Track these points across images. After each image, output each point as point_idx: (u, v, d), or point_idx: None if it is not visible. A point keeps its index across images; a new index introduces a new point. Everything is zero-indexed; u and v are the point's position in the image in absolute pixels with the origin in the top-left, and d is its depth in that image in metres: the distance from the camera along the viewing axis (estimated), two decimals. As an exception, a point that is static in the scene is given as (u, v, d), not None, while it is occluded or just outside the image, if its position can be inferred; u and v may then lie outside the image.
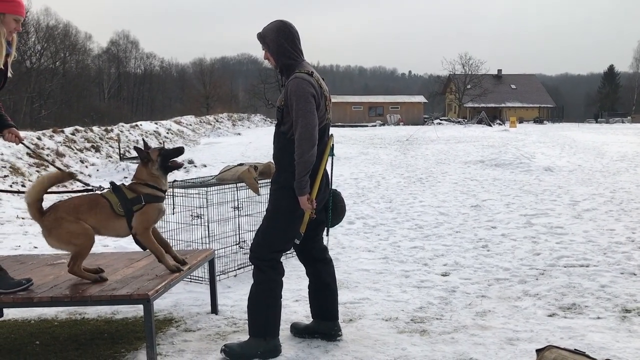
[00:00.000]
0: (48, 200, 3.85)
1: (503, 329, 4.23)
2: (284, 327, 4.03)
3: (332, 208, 4.00)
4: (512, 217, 8.59)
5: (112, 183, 3.98)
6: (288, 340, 4.04)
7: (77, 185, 10.52)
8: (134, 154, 18.97)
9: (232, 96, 78.26)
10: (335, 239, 7.19)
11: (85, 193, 3.99)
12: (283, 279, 3.87)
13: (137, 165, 4.04)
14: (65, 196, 4.26)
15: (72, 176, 4.02)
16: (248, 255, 3.96)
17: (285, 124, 3.70)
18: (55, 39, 60.72)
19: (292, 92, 3.59)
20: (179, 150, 4.08)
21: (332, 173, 3.98)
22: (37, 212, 3.77)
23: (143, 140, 4.11)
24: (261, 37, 3.78)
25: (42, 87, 54.28)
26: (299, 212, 3.71)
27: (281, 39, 3.70)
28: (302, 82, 3.59)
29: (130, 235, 3.91)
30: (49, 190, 3.85)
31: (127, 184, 4.00)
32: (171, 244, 5.70)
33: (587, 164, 15.95)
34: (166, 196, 4.08)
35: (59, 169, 4.09)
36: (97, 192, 3.97)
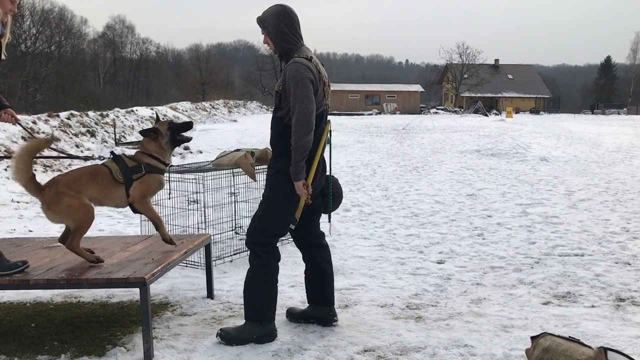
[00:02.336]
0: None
1: (498, 317, 4.25)
2: (279, 312, 4.03)
3: (329, 194, 4.01)
4: (508, 206, 8.61)
5: (112, 152, 3.98)
6: (284, 325, 4.06)
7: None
8: (130, 139, 18.92)
9: (228, 83, 77.96)
10: (328, 227, 7.18)
11: (85, 165, 3.98)
12: (279, 264, 3.87)
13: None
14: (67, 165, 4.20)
15: (49, 142, 3.92)
16: (244, 241, 3.96)
17: (283, 109, 3.69)
18: (50, 22, 60.17)
19: (290, 76, 3.58)
20: (188, 125, 4.09)
21: (330, 160, 3.98)
22: (35, 188, 3.75)
23: (156, 113, 4.08)
24: (261, 21, 3.76)
25: (37, 71, 53.88)
26: (294, 197, 3.71)
27: (281, 23, 3.68)
28: (300, 67, 3.58)
29: (128, 208, 3.91)
30: (46, 156, 3.84)
31: (128, 154, 4.00)
32: (167, 229, 5.72)
33: (583, 154, 15.98)
34: (167, 170, 4.06)
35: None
36: (97, 161, 3.97)
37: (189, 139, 4.09)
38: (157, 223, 3.98)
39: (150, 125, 4.07)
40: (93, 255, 3.87)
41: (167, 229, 4.06)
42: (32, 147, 3.77)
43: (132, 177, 3.83)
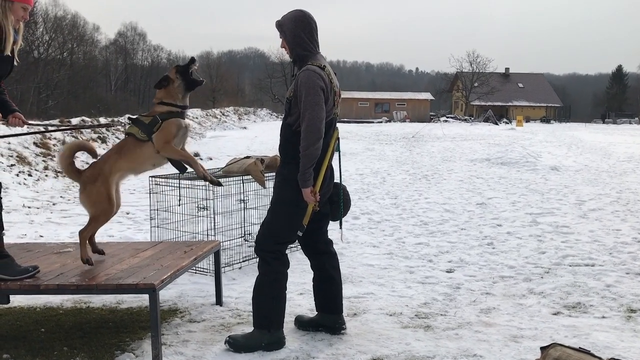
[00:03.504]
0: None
1: (507, 327, 4.23)
2: (288, 320, 4.03)
3: (339, 201, 4.01)
4: (518, 216, 8.57)
5: (129, 117, 4.09)
6: (292, 333, 4.05)
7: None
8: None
9: (238, 90, 78.22)
10: (339, 234, 7.17)
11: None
12: (288, 271, 3.87)
13: None
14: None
15: (92, 150, 4.14)
16: (253, 248, 3.97)
17: (292, 115, 3.70)
18: (63, 29, 60.62)
19: (302, 83, 3.59)
20: (191, 60, 4.07)
21: (340, 168, 3.98)
22: (73, 173, 3.95)
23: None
24: (279, 25, 3.78)
25: (49, 77, 54.26)
26: (302, 204, 3.71)
27: (298, 29, 3.70)
28: (312, 75, 3.59)
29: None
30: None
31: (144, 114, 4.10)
32: (176, 236, 5.74)
33: (594, 164, 15.90)
34: (186, 112, 4.09)
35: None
36: (118, 126, 4.10)
37: (201, 82, 4.08)
38: (190, 161, 3.99)
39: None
40: (87, 255, 3.93)
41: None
42: (81, 144, 4.16)
43: (153, 130, 3.90)
